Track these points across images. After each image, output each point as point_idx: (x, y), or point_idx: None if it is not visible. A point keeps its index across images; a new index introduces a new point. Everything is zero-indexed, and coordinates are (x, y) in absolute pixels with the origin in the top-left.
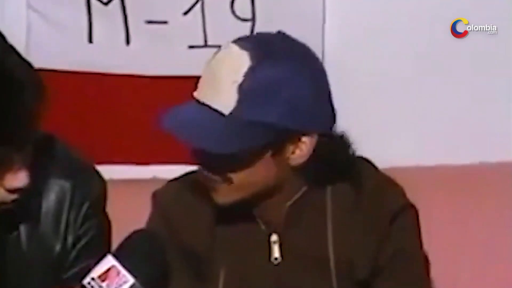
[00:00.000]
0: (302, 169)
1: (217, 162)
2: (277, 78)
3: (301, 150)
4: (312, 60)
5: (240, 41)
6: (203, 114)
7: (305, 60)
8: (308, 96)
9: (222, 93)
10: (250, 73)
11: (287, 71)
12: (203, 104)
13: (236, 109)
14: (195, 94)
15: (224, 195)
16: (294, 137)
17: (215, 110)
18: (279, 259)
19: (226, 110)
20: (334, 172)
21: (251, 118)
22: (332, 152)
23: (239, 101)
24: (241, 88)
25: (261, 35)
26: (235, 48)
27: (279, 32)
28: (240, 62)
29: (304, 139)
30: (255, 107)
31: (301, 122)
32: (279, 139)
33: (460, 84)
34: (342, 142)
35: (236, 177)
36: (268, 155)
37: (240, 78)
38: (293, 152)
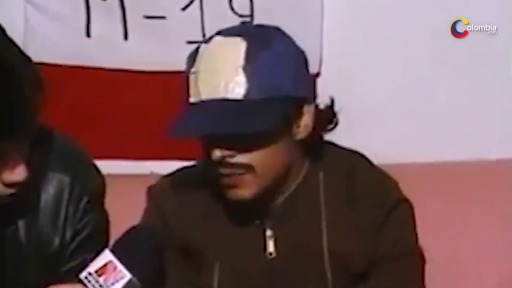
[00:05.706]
0: (304, 143)
1: (244, 143)
2: (277, 49)
3: (305, 121)
4: (284, 32)
5: (222, 33)
6: (221, 107)
7: (284, 32)
8: (303, 62)
9: (229, 81)
10: (249, 53)
11: (281, 41)
12: (212, 101)
13: (249, 90)
14: (195, 98)
15: (250, 187)
16: (300, 107)
17: (230, 100)
18: (274, 254)
19: (240, 95)
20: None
21: (267, 94)
22: (327, 120)
23: (249, 82)
24: (246, 69)
25: (230, 28)
26: (222, 38)
27: (243, 23)
28: (235, 46)
29: (305, 109)
30: (266, 82)
31: (305, 88)
32: (293, 110)
33: (460, 84)
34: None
35: (259, 163)
36: (287, 130)
37: (241, 61)
38: (298, 126)
